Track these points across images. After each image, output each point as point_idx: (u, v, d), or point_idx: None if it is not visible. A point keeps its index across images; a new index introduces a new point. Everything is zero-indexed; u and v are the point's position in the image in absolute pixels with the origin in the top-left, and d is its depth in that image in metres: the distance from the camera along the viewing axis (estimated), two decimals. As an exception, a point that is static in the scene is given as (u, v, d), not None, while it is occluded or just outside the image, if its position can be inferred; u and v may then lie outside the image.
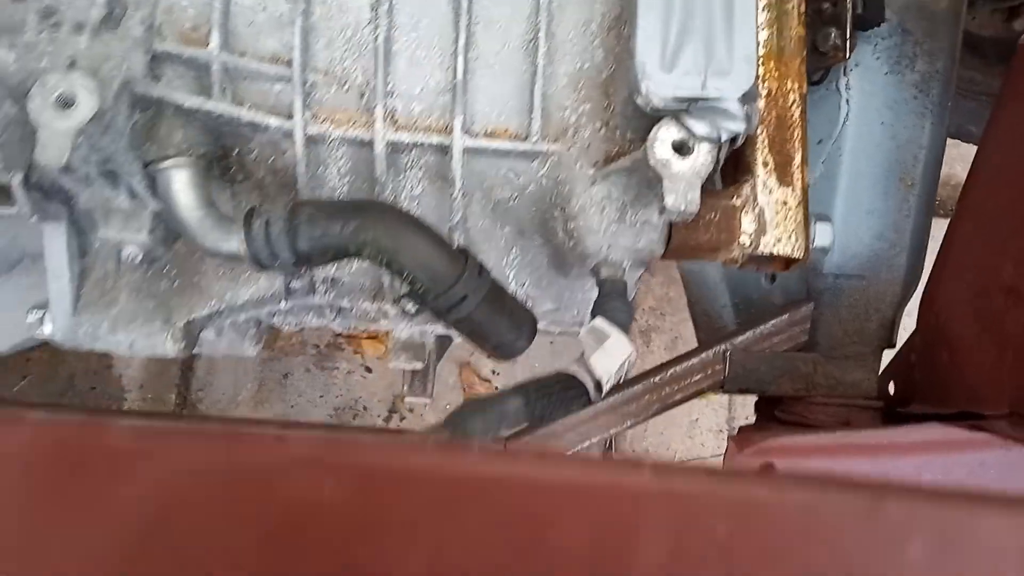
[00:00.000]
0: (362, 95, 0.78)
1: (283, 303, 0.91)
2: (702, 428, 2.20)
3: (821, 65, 1.05)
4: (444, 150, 0.78)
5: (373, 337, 2.21)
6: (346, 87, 0.78)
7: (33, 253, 0.96)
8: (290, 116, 0.77)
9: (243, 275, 0.87)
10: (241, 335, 1.14)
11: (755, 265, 0.87)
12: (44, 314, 0.87)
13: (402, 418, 2.17)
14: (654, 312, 2.27)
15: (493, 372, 2.20)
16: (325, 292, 0.92)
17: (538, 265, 0.93)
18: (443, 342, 1.16)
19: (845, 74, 1.16)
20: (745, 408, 2.19)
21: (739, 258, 0.78)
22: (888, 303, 1.14)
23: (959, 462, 0.85)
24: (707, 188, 0.73)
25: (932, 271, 1.08)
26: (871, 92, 1.16)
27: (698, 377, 1.17)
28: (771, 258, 0.81)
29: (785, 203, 0.84)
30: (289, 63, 0.77)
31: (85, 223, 0.83)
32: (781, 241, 0.80)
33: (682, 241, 0.80)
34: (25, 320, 0.90)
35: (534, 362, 2.02)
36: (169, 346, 0.86)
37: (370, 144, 0.78)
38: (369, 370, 2.19)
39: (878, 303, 1.14)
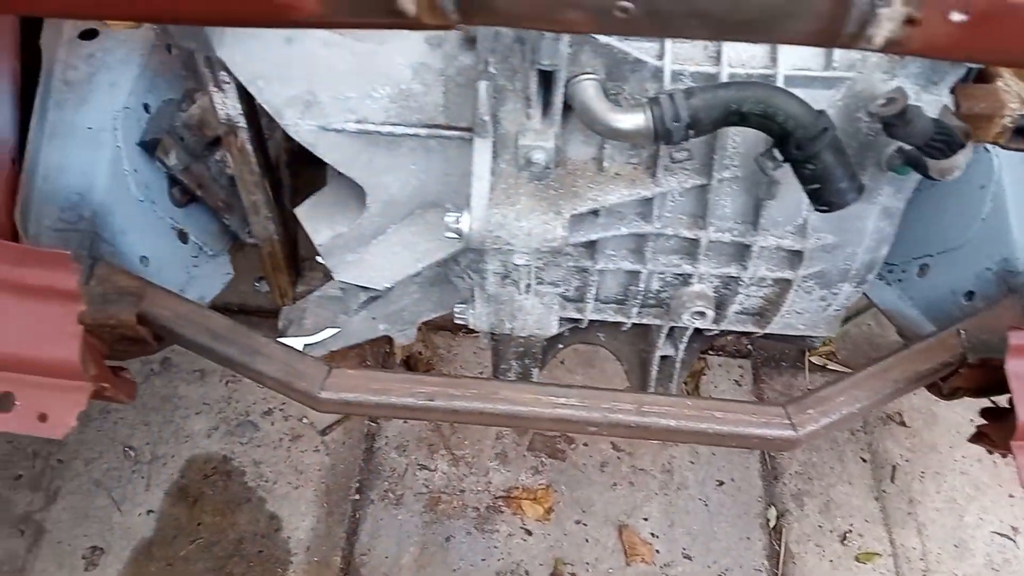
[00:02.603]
0: (705, 47, 1.12)
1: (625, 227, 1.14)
2: None
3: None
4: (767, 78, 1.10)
5: (533, 499, 2.26)
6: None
7: (426, 203, 1.21)
8: (661, 56, 1.10)
9: (609, 184, 1.12)
10: (548, 309, 1.33)
11: (1014, 142, 1.12)
12: (459, 216, 1.11)
13: (564, 582, 2.13)
14: (801, 476, 2.35)
15: (653, 535, 2.22)
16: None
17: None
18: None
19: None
20: None
21: (1007, 126, 1.05)
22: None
23: None
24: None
25: None
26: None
27: (937, 353, 1.33)
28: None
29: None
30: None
31: (499, 140, 1.11)
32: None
33: (967, 109, 1.07)
34: (428, 240, 1.13)
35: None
36: (559, 231, 1.09)
37: (716, 76, 1.10)
38: (529, 532, 2.20)
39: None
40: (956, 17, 0.53)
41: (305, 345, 1.33)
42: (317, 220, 1.22)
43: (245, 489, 2.21)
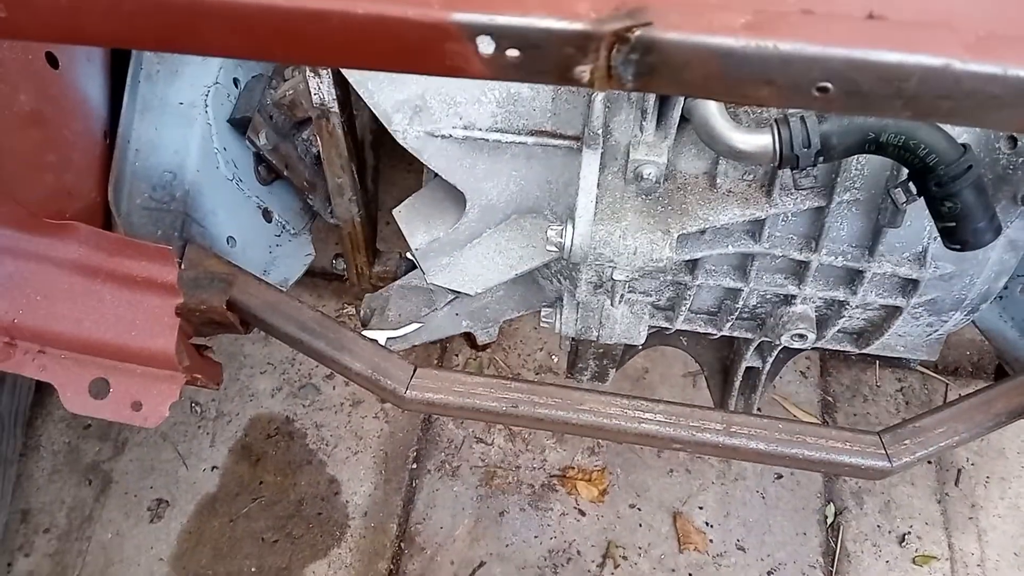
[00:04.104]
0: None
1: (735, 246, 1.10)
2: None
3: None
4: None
5: (587, 480, 2.27)
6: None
7: (524, 209, 1.18)
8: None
9: (721, 202, 1.07)
10: (637, 319, 1.30)
11: None
12: (562, 229, 1.08)
13: (616, 565, 2.14)
14: (857, 471, 2.31)
15: (707, 524, 2.21)
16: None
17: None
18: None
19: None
20: None
21: None
22: None
23: None
24: None
25: None
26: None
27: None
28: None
29: None
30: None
31: (608, 152, 1.07)
32: None
33: None
34: (529, 250, 1.10)
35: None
36: (667, 252, 1.05)
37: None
38: (583, 513, 2.21)
39: None
40: None
41: (388, 339, 1.32)
42: (414, 222, 1.20)
43: (306, 451, 2.25)
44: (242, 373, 2.36)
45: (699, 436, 1.20)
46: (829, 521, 2.22)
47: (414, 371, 1.22)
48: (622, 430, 1.22)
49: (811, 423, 1.23)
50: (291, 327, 1.25)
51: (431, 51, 0.50)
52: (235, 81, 1.48)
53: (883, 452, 1.20)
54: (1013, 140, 1.01)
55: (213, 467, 2.21)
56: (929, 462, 2.33)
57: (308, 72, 1.29)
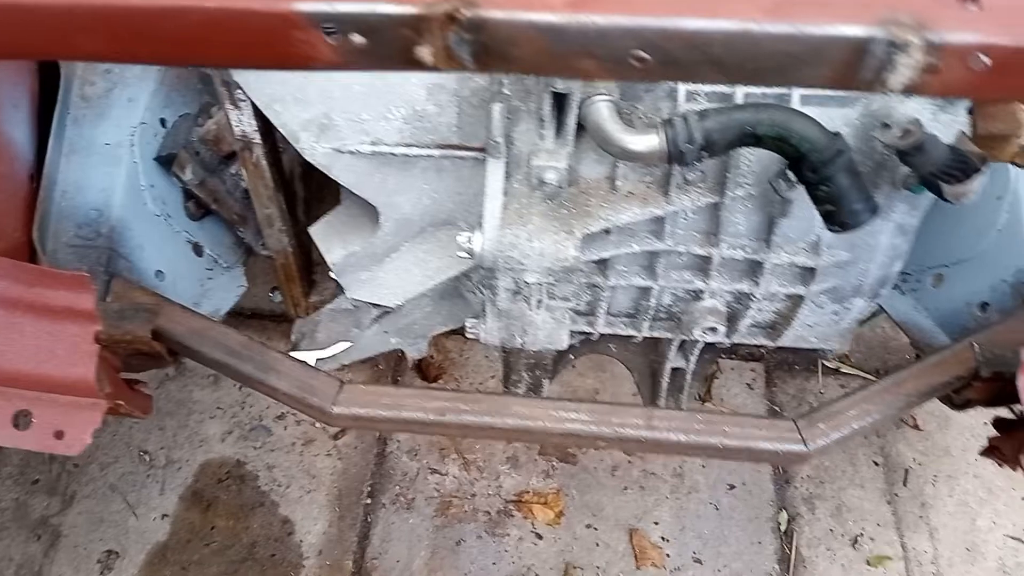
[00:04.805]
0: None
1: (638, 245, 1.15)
2: None
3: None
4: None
5: (543, 503, 2.27)
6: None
7: (439, 222, 1.22)
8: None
9: (622, 203, 1.12)
10: (559, 324, 1.34)
11: None
12: (471, 236, 1.12)
13: (575, 586, 2.14)
14: (812, 480, 2.35)
15: (663, 539, 2.22)
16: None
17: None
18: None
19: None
20: None
21: None
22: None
23: None
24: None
25: None
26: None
27: (950, 366, 1.33)
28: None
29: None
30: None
31: (512, 160, 1.12)
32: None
33: (984, 130, 1.07)
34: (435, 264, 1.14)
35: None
36: (571, 251, 1.09)
37: (731, 96, 1.10)
38: (540, 537, 2.22)
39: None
40: (977, 65, 0.53)
41: (317, 359, 1.34)
42: (330, 239, 1.23)
43: (258, 493, 2.23)
44: (191, 419, 2.35)
45: (622, 432, 1.23)
46: (783, 528, 2.25)
47: (341, 386, 1.24)
48: (548, 431, 1.24)
49: (729, 414, 1.27)
50: (218, 352, 1.27)
51: (281, 41, 0.54)
52: (162, 121, 1.51)
53: (799, 437, 1.24)
54: (886, 126, 1.08)
55: (163, 515, 2.18)
56: (876, 463, 2.38)
57: (227, 104, 1.33)
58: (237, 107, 1.34)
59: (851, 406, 1.26)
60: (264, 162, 1.42)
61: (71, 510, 2.18)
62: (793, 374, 2.55)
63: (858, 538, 2.24)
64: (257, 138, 1.39)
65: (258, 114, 1.36)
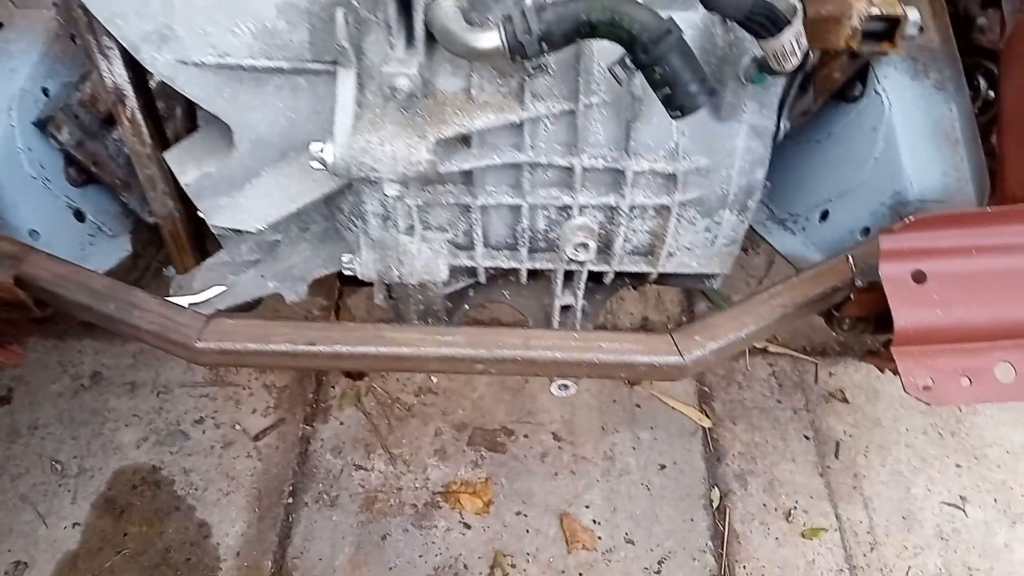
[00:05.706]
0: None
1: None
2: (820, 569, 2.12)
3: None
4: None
5: (472, 492, 2.22)
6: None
7: (300, 145, 1.21)
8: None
9: (477, 111, 1.13)
10: (435, 255, 1.33)
11: (866, 45, 1.13)
12: (323, 145, 1.11)
13: (504, 573, 2.08)
14: (744, 456, 2.32)
15: (594, 521, 2.17)
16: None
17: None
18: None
19: (879, 82, 1.53)
20: (865, 555, 2.15)
21: (856, 28, 1.07)
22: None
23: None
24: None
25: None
26: (902, 91, 1.50)
27: (826, 278, 1.34)
28: (880, 19, 1.07)
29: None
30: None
31: (365, 72, 1.12)
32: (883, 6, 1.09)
33: (814, 13, 1.09)
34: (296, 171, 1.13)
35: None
36: (424, 154, 1.09)
37: None
38: (468, 526, 2.16)
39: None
40: None
41: (190, 304, 1.31)
42: (185, 162, 1.22)
43: (174, 498, 2.16)
44: (106, 427, 2.28)
45: (499, 353, 1.21)
46: (715, 505, 2.21)
47: (207, 321, 1.22)
48: (424, 356, 1.22)
49: (606, 331, 1.26)
50: (81, 295, 1.24)
51: None
52: (45, 90, 1.51)
53: (675, 349, 1.22)
54: (725, 21, 1.10)
55: (75, 524, 2.09)
56: (807, 437, 2.36)
57: (96, 54, 1.33)
58: (106, 56, 1.34)
59: (727, 319, 1.26)
60: (139, 116, 1.41)
61: (-23, 523, 2.08)
62: (722, 355, 2.54)
63: (792, 511, 2.21)
64: (129, 90, 1.38)
65: (129, 64, 1.36)
